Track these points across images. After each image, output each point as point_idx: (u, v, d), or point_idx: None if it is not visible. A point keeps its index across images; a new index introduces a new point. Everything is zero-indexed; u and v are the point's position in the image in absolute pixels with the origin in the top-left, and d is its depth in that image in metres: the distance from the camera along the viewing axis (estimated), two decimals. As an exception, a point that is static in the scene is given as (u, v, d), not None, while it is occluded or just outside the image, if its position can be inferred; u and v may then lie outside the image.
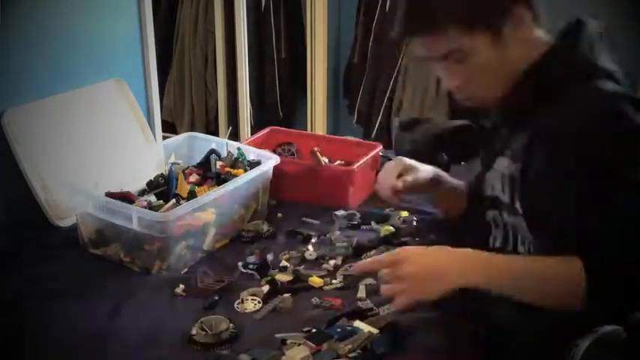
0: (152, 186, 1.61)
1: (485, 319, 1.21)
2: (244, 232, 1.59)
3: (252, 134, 2.55)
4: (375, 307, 1.24)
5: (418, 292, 1.09)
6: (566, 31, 1.20)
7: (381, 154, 1.88)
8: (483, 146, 1.39)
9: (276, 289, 1.34)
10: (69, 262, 1.45)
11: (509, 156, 1.22)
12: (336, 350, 1.10)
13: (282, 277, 1.39)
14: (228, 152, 1.73)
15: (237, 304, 1.30)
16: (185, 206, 1.42)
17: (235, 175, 1.60)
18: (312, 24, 3.21)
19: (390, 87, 3.11)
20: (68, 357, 1.16)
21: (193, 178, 1.62)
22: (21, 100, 1.60)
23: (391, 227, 1.56)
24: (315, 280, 1.36)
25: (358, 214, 1.67)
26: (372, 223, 1.63)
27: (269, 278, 1.38)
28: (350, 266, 1.38)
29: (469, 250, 1.11)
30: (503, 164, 1.24)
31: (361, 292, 1.31)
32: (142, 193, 1.59)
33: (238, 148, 1.71)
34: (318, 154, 1.89)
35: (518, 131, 1.20)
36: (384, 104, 3.13)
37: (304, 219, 1.66)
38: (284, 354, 1.11)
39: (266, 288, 1.34)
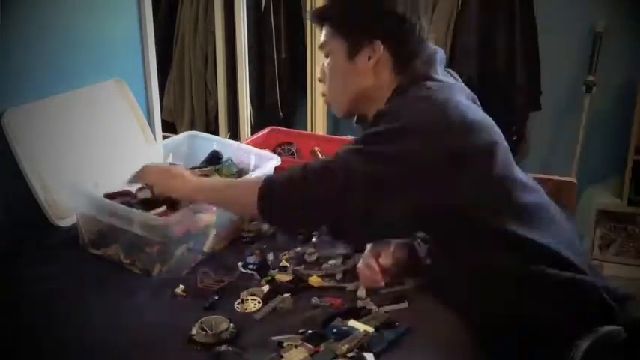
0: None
1: (484, 319, 1.22)
2: (245, 232, 1.59)
3: (252, 134, 2.55)
4: (369, 307, 1.25)
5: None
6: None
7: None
8: None
9: (276, 289, 1.34)
10: (69, 262, 1.45)
11: None
12: (334, 350, 1.11)
13: (282, 277, 1.39)
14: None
15: (237, 304, 1.30)
16: (186, 209, 1.42)
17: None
18: (312, 24, 3.20)
19: (390, 87, 3.10)
20: (68, 357, 1.16)
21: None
22: (21, 100, 1.60)
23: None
24: (315, 280, 1.36)
25: (358, 214, 1.67)
26: (372, 223, 1.63)
27: (269, 278, 1.38)
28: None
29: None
30: None
31: (361, 291, 1.31)
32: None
33: (228, 160, 1.71)
34: (318, 154, 1.90)
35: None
36: (383, 104, 3.12)
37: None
38: (282, 356, 1.11)
39: (266, 288, 1.34)
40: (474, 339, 1.19)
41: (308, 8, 3.18)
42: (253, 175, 1.59)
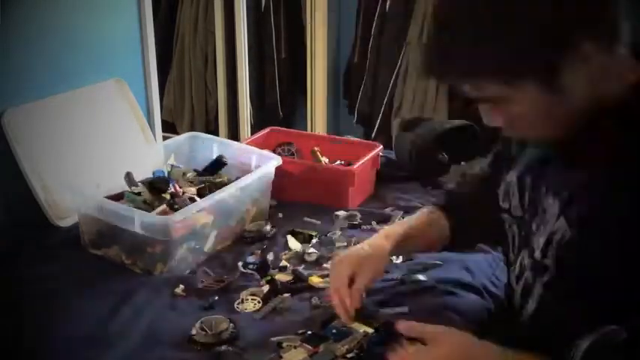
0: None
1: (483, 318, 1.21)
2: (246, 232, 1.59)
3: (252, 134, 2.54)
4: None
5: None
6: None
7: (380, 154, 1.88)
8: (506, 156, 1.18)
9: (276, 289, 1.34)
10: (69, 262, 1.45)
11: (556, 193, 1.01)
12: (334, 351, 1.10)
13: (282, 277, 1.39)
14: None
15: (237, 304, 1.30)
16: (187, 209, 1.42)
17: (221, 184, 1.59)
18: (312, 24, 3.20)
19: (390, 87, 3.10)
20: (68, 357, 1.16)
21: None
22: (21, 100, 1.60)
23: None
24: (315, 280, 1.36)
25: (359, 215, 1.67)
26: (373, 223, 1.63)
27: (269, 278, 1.38)
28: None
29: None
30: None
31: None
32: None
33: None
34: (318, 154, 1.90)
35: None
36: (384, 104, 3.13)
37: (305, 219, 1.66)
38: (281, 357, 1.11)
39: (266, 288, 1.34)
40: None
41: (308, 8, 3.19)
42: (255, 175, 1.59)
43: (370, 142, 2.08)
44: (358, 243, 1.49)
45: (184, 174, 1.69)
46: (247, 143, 1.90)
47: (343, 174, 1.74)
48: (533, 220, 1.07)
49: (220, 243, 1.54)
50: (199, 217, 1.46)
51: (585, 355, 0.87)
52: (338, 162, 1.90)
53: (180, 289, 1.35)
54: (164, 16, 3.58)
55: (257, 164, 1.69)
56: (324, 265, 1.44)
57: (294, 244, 1.53)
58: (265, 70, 3.53)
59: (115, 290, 1.33)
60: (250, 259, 1.46)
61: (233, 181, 1.59)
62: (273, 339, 1.16)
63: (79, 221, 1.51)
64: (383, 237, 1.25)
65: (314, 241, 1.55)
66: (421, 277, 1.35)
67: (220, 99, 3.50)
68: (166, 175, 1.63)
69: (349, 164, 1.79)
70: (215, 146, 1.77)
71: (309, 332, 1.17)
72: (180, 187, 1.58)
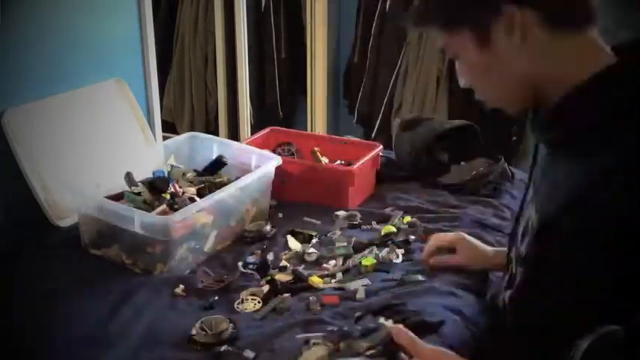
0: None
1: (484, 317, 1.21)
2: (246, 232, 1.59)
3: (252, 134, 2.54)
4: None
5: None
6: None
7: (380, 154, 1.88)
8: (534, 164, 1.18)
9: (276, 289, 1.34)
10: (69, 262, 1.45)
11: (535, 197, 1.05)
12: (356, 348, 1.09)
13: (282, 277, 1.39)
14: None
15: (237, 304, 1.30)
16: (187, 209, 1.42)
17: (221, 184, 1.60)
18: (312, 24, 3.20)
19: (390, 87, 3.10)
20: (68, 357, 1.16)
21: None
22: (21, 100, 1.60)
23: (392, 227, 1.56)
24: (315, 280, 1.36)
25: (359, 215, 1.67)
26: (373, 223, 1.63)
27: (269, 278, 1.38)
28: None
29: None
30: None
31: (360, 294, 1.31)
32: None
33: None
34: (318, 154, 1.90)
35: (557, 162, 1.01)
36: (384, 104, 3.13)
37: (305, 219, 1.66)
38: (302, 354, 1.10)
39: (266, 288, 1.34)
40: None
41: (308, 8, 3.19)
42: (255, 175, 1.59)
43: (370, 142, 2.08)
44: (358, 243, 1.51)
45: (184, 174, 1.69)
46: (247, 143, 1.90)
47: (343, 174, 1.74)
48: (521, 214, 1.12)
49: (220, 243, 1.54)
50: (199, 217, 1.46)
51: (585, 355, 0.87)
52: (338, 162, 1.90)
53: (180, 289, 1.35)
54: (164, 16, 3.58)
55: (257, 164, 1.69)
56: (324, 265, 1.44)
57: (294, 244, 1.53)
58: (265, 70, 3.53)
59: (115, 290, 1.33)
60: (250, 259, 1.46)
61: (233, 181, 1.59)
62: (298, 336, 1.16)
63: (79, 221, 1.51)
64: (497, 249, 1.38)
65: (314, 241, 1.55)
66: (421, 277, 1.35)
67: (220, 99, 3.50)
68: (166, 175, 1.63)
69: (349, 164, 1.79)
70: (215, 146, 1.78)
71: (335, 328, 1.16)
72: (180, 187, 1.58)
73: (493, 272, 1.40)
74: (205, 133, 2.23)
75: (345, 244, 1.50)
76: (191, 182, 1.65)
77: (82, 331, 1.21)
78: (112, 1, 1.86)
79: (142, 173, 1.59)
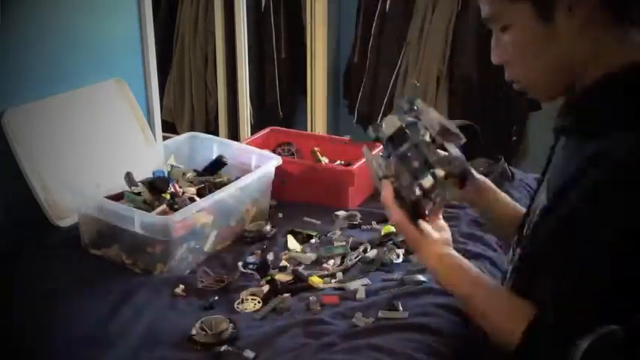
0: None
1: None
2: (246, 232, 1.59)
3: (252, 134, 2.54)
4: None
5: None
6: None
7: (380, 154, 1.88)
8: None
9: (276, 289, 1.34)
10: (69, 262, 1.45)
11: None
12: None
13: (282, 277, 1.39)
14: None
15: (237, 304, 1.30)
16: (187, 209, 1.42)
17: (221, 184, 1.60)
18: (312, 24, 3.20)
19: (389, 87, 3.10)
20: (68, 357, 1.16)
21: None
22: (21, 100, 1.60)
23: (392, 227, 1.56)
24: (315, 280, 1.36)
25: (359, 215, 1.67)
26: (373, 222, 1.63)
27: (269, 278, 1.38)
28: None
29: (446, 253, 1.11)
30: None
31: (360, 294, 1.31)
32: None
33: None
34: (318, 154, 1.90)
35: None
36: (383, 104, 3.13)
37: (305, 219, 1.66)
38: None
39: (266, 288, 1.34)
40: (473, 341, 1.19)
41: (308, 8, 3.19)
42: (255, 175, 1.59)
43: (370, 142, 2.08)
44: (357, 243, 1.51)
45: (184, 174, 1.69)
46: (247, 143, 1.90)
47: (343, 174, 1.74)
48: (532, 202, 1.12)
49: (220, 243, 1.54)
50: (199, 217, 1.46)
51: (585, 355, 0.87)
52: (338, 162, 1.90)
53: (180, 289, 1.35)
54: (164, 16, 3.58)
55: (257, 164, 1.69)
56: (324, 264, 1.44)
57: (293, 244, 1.53)
58: (265, 70, 3.53)
59: (115, 290, 1.33)
60: (250, 259, 1.46)
61: (233, 181, 1.59)
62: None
63: (79, 221, 1.51)
64: (483, 178, 1.30)
65: (312, 241, 1.55)
66: (421, 277, 1.35)
67: (220, 99, 3.50)
68: (166, 175, 1.63)
69: (349, 164, 1.79)
70: (215, 146, 1.78)
71: None
72: (180, 187, 1.58)
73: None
74: (205, 133, 2.22)
75: (343, 243, 1.50)
76: (191, 182, 1.65)
77: (82, 331, 1.21)
78: (112, 1, 1.86)
79: (142, 173, 1.59)
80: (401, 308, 1.23)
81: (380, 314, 1.22)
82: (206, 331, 1.19)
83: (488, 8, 1.01)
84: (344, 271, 1.41)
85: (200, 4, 3.51)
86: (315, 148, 1.91)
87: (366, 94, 3.21)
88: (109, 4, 1.84)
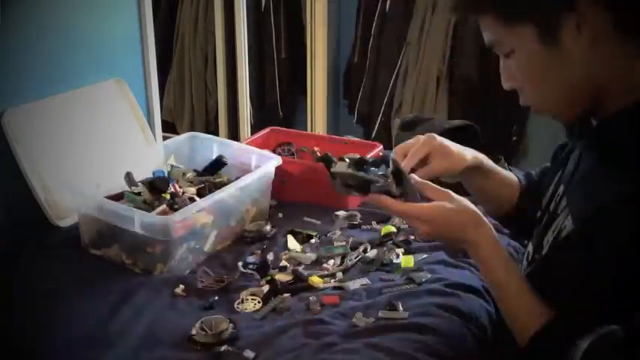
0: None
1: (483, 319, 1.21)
2: (246, 232, 1.59)
3: (252, 134, 2.54)
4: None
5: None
6: None
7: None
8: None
9: (276, 289, 1.34)
10: (69, 262, 1.45)
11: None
12: None
13: (282, 277, 1.39)
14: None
15: (237, 304, 1.30)
16: (187, 209, 1.42)
17: (221, 184, 1.59)
18: (312, 24, 3.21)
19: (389, 87, 3.11)
20: (68, 357, 1.16)
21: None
22: (21, 100, 1.60)
23: (392, 227, 1.56)
24: (315, 280, 1.36)
25: (359, 215, 1.67)
26: (373, 223, 1.63)
27: (269, 278, 1.38)
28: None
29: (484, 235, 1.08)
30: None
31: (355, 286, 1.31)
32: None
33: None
34: (318, 154, 1.90)
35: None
36: (384, 104, 3.13)
37: (305, 219, 1.66)
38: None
39: (266, 288, 1.34)
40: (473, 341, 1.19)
41: (308, 8, 3.19)
42: (255, 175, 1.59)
43: (370, 142, 2.08)
44: (357, 243, 1.51)
45: (184, 174, 1.69)
46: (247, 143, 1.90)
47: (343, 174, 1.74)
48: (544, 216, 1.11)
49: (220, 243, 1.54)
50: (199, 217, 1.46)
51: (585, 355, 0.87)
52: (338, 162, 1.90)
53: (180, 289, 1.35)
54: (164, 16, 3.59)
55: (257, 164, 1.69)
56: (324, 264, 1.44)
57: (293, 244, 1.53)
58: (265, 70, 3.53)
59: (115, 290, 1.33)
60: (250, 259, 1.46)
61: (233, 181, 1.59)
62: None
63: (79, 221, 1.51)
64: (475, 151, 1.26)
65: (312, 241, 1.55)
66: (422, 276, 1.35)
67: (220, 99, 3.50)
68: (166, 175, 1.63)
69: (349, 164, 1.79)
70: (215, 146, 1.78)
71: None
72: (180, 187, 1.58)
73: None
74: (205, 133, 2.22)
75: (343, 243, 1.50)
76: (191, 182, 1.65)
77: (82, 331, 1.21)
78: (112, 1, 1.86)
79: (142, 173, 1.59)
80: (401, 308, 1.23)
81: (380, 314, 1.22)
82: (206, 331, 1.19)
83: (489, 34, 0.98)
84: (344, 271, 1.41)
85: (200, 4, 3.51)
86: (315, 148, 1.91)
87: (366, 94, 3.21)
88: (109, 4, 1.84)
